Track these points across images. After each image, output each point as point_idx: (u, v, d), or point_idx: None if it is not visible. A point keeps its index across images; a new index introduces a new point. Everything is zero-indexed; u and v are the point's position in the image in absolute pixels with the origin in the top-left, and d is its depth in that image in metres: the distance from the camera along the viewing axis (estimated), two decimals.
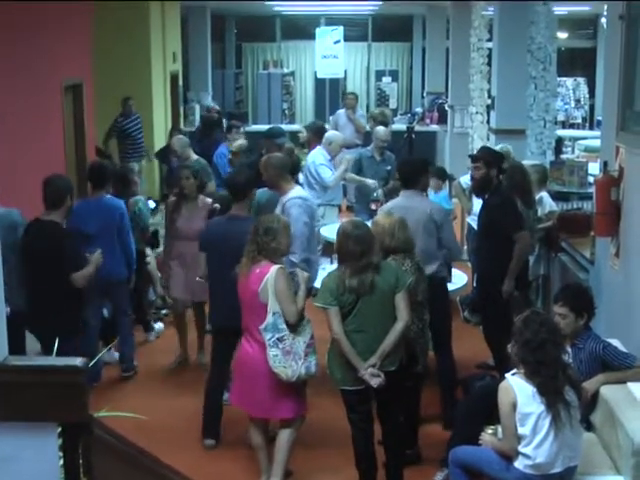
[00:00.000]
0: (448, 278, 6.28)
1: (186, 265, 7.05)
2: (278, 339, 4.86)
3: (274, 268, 4.92)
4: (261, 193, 7.06)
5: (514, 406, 4.20)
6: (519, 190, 6.71)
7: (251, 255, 5.01)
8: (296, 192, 6.41)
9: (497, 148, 8.36)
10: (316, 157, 9.14)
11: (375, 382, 4.81)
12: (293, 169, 8.34)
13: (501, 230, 6.20)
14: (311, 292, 6.38)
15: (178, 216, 7.14)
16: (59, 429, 2.11)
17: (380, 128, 9.52)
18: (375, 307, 4.84)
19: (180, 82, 16.40)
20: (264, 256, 4.98)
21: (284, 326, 4.88)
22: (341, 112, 13.48)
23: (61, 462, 2.12)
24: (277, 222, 5.05)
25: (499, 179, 6.44)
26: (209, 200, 7.17)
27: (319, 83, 20.92)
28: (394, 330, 4.87)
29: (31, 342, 6.13)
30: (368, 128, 11.85)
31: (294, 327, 4.93)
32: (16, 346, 5.80)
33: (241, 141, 9.38)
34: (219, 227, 5.89)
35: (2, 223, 5.71)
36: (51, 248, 5.67)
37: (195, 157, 9.37)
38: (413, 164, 6.30)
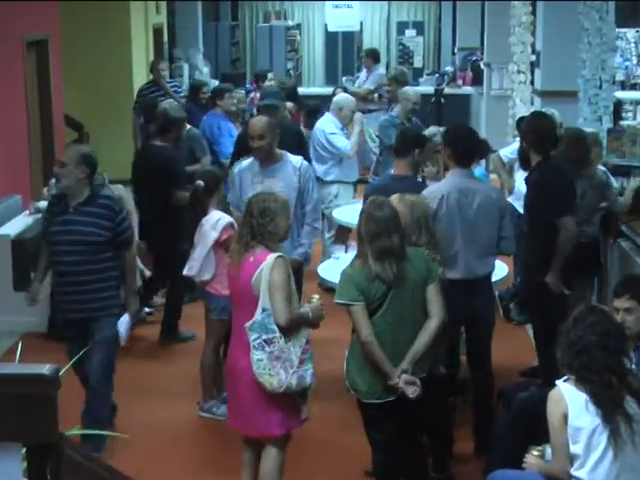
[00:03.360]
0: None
1: None
2: (265, 341, 4.83)
3: (272, 256, 4.89)
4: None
5: (566, 418, 4.16)
6: (577, 163, 6.66)
7: (244, 240, 5.00)
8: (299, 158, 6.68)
9: None
10: (325, 125, 9.10)
11: (412, 391, 4.80)
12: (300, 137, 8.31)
13: (541, 214, 6.13)
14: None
15: None
16: (23, 450, 2.10)
17: (409, 88, 9.52)
18: (407, 302, 4.83)
19: (165, 37, 16.38)
20: (259, 242, 4.96)
21: (274, 327, 4.84)
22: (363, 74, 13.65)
23: None
24: (274, 201, 5.02)
25: (542, 155, 6.33)
26: None
27: (330, 38, 20.89)
28: (427, 329, 4.86)
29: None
30: (384, 92, 11.85)
31: (287, 330, 4.88)
32: None
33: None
34: (383, 187, 5.96)
35: None
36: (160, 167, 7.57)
37: (187, 127, 9.32)
38: (469, 135, 6.07)
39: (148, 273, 8.71)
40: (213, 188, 6.52)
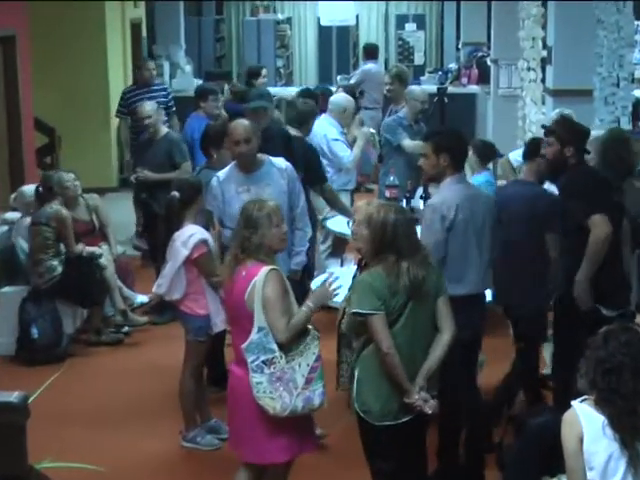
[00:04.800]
0: None
1: None
2: (264, 362, 4.87)
3: (264, 270, 4.93)
4: (206, 174, 7.11)
5: (581, 442, 4.14)
6: (619, 170, 6.68)
7: (233, 253, 5.08)
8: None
9: (554, 114, 8.34)
10: (327, 129, 9.06)
11: (430, 407, 4.84)
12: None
13: (570, 218, 6.10)
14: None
15: None
16: None
17: (416, 87, 9.58)
18: (423, 314, 4.89)
19: (144, 32, 16.39)
20: (248, 255, 5.01)
21: (274, 346, 4.88)
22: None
23: None
24: (258, 209, 5.07)
25: (580, 159, 6.32)
26: None
27: (323, 33, 20.95)
28: (440, 343, 4.91)
29: None
30: (385, 91, 11.93)
31: (291, 346, 4.92)
32: None
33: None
34: (512, 192, 6.53)
35: None
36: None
37: (165, 130, 9.38)
38: (462, 137, 6.05)
39: (142, 297, 8.76)
40: (190, 200, 6.45)
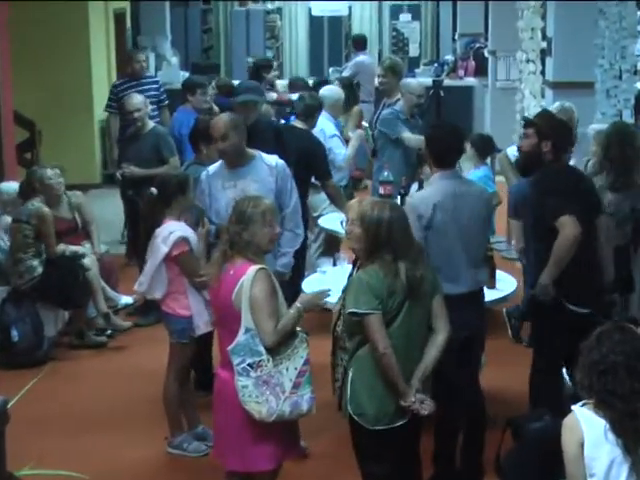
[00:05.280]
0: None
1: None
2: (250, 365, 4.88)
3: (252, 269, 4.94)
4: (194, 170, 7.12)
5: (582, 447, 4.14)
6: (619, 165, 6.69)
7: (222, 249, 5.09)
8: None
9: (554, 107, 8.34)
10: (324, 125, 9.06)
11: (426, 408, 4.86)
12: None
13: (540, 218, 6.12)
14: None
15: None
16: None
17: (412, 80, 9.60)
18: (419, 314, 4.93)
19: (128, 23, 16.37)
20: (237, 252, 5.02)
21: (261, 348, 4.90)
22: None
23: None
24: (254, 206, 5.08)
25: (558, 156, 6.33)
26: None
27: (315, 23, 20.93)
28: (435, 344, 4.95)
29: None
30: (376, 83, 12.02)
31: (279, 349, 4.93)
32: None
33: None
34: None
35: None
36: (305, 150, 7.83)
37: (152, 124, 9.41)
38: (445, 135, 6.04)
39: (126, 299, 8.75)
40: (172, 196, 6.42)
